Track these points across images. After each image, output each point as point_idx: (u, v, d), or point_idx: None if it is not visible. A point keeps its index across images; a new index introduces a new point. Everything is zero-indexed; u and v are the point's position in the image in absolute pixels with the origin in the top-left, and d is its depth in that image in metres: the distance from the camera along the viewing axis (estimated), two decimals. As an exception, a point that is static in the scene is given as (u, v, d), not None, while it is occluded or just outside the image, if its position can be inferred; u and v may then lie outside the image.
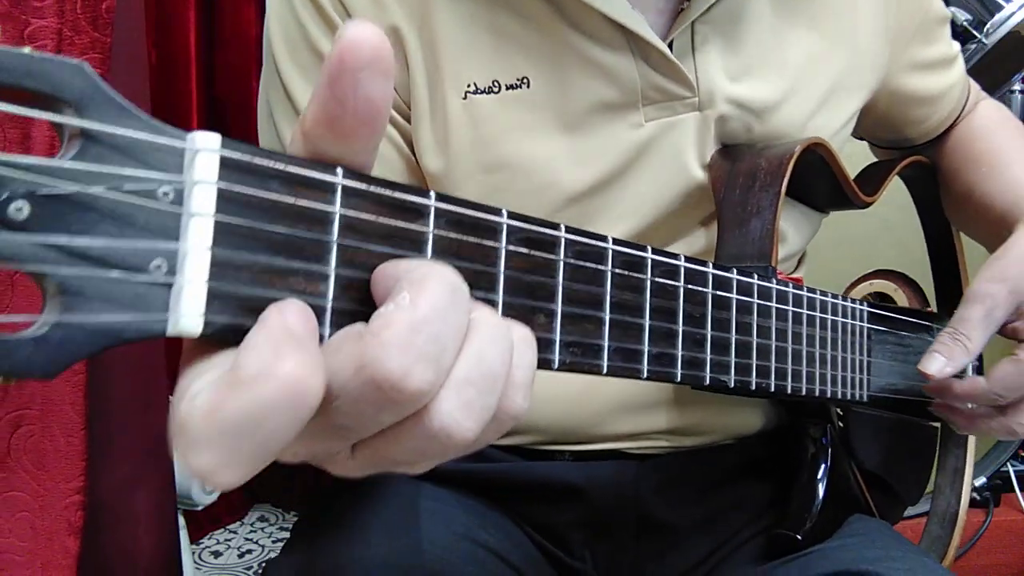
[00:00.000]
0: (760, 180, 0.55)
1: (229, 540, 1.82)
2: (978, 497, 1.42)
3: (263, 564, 1.63)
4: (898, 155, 0.76)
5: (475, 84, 0.54)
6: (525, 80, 0.54)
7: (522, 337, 0.29)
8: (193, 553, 1.62)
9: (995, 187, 0.69)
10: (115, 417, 0.81)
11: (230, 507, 1.87)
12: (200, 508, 1.42)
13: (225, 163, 0.24)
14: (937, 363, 0.56)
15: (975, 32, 1.20)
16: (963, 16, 1.21)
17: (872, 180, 0.70)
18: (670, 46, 0.55)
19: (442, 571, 0.53)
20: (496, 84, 0.54)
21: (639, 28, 0.52)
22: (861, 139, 0.81)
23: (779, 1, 0.58)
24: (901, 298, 0.72)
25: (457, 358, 0.25)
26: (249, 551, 1.77)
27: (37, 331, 0.22)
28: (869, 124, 0.72)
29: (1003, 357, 0.58)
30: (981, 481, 1.44)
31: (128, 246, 0.22)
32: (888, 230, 1.07)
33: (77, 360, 0.22)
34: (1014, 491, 1.44)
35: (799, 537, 0.56)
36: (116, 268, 0.22)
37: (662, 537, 0.63)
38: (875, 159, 0.82)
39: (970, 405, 0.61)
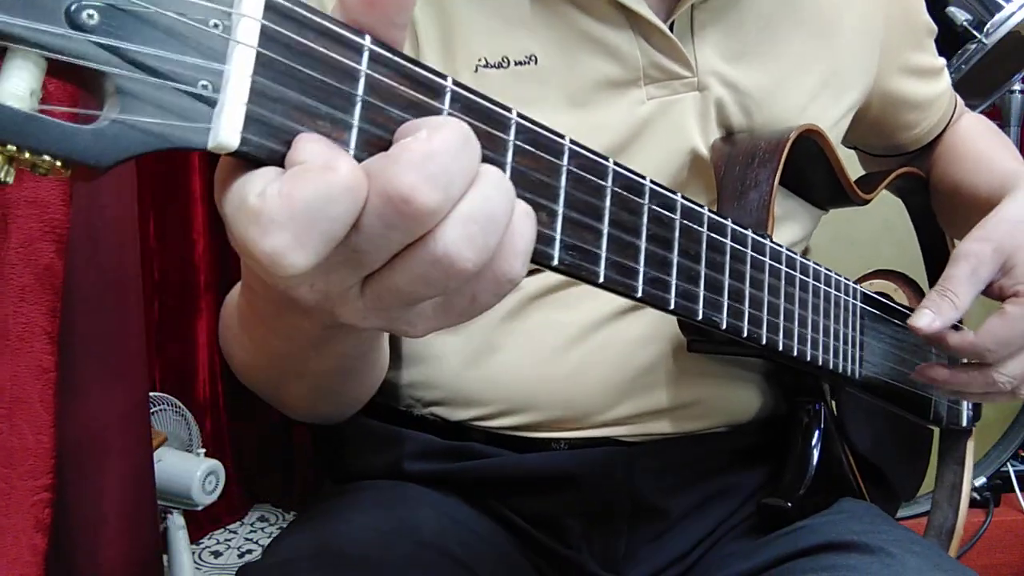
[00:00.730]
0: (759, 158, 0.58)
1: (229, 540, 1.80)
2: (978, 497, 1.42)
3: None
4: (891, 163, 0.79)
5: (485, 59, 0.57)
6: (533, 57, 0.57)
7: (524, 210, 0.31)
8: (193, 553, 1.60)
9: (981, 178, 0.72)
10: (84, 418, 0.80)
11: (230, 507, 1.87)
12: (200, 508, 1.41)
13: (269, 5, 0.27)
14: (926, 318, 0.58)
15: (975, 32, 1.22)
16: (963, 16, 1.23)
17: (868, 183, 0.73)
18: (671, 28, 0.58)
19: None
20: (505, 60, 0.57)
21: (639, 7, 0.56)
22: (853, 148, 0.84)
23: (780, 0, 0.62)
24: (901, 298, 0.74)
25: (463, 197, 0.28)
26: (249, 551, 1.75)
27: (97, 125, 0.24)
28: (863, 130, 0.75)
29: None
30: (981, 481, 1.43)
31: (180, 60, 0.25)
32: (888, 230, 1.09)
33: (127, 156, 0.25)
34: (1014, 491, 1.44)
35: (789, 504, 0.57)
36: (168, 79, 0.25)
37: (656, 522, 0.64)
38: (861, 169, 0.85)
39: (963, 362, 0.62)
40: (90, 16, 0.24)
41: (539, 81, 0.57)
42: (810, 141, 0.61)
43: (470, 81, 0.56)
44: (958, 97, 0.82)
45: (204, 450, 1.55)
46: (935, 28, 0.76)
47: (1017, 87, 1.45)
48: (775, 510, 0.58)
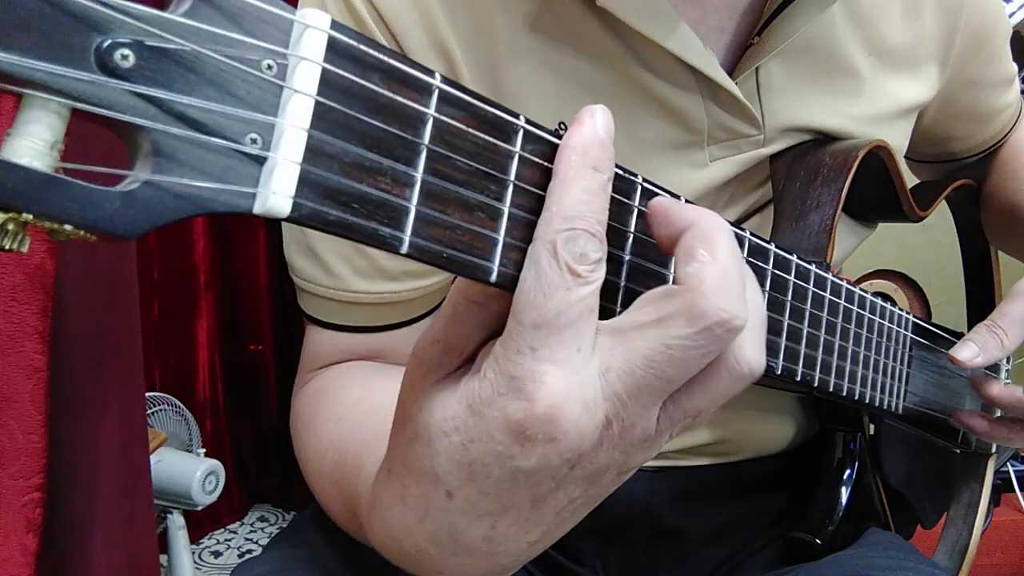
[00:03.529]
0: (823, 175, 0.54)
1: (229, 540, 1.81)
2: (978, 497, 1.43)
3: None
4: (940, 169, 0.75)
5: (562, 126, 0.52)
6: None
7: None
8: (193, 553, 1.61)
9: None
10: (77, 418, 0.79)
11: (230, 507, 1.87)
12: (200, 508, 1.41)
13: (332, 45, 0.23)
14: (970, 351, 0.55)
15: None
16: None
17: (923, 197, 0.69)
18: (736, 81, 0.52)
19: None
20: (563, 126, 0.52)
21: (711, 70, 0.50)
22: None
23: (854, 30, 0.56)
24: (901, 298, 0.72)
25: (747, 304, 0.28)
26: (249, 551, 1.76)
27: (127, 186, 0.21)
28: (913, 138, 0.70)
29: None
30: (981, 481, 1.45)
31: (226, 113, 0.21)
32: (889, 230, 1.05)
33: (159, 225, 0.21)
34: (1014, 491, 1.45)
35: (818, 541, 0.55)
36: (212, 135, 0.21)
37: (675, 545, 0.62)
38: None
39: (998, 413, 0.59)
40: (124, 58, 0.20)
41: None
42: (876, 159, 0.57)
43: None
44: (1022, 101, 0.77)
45: (204, 450, 1.55)
46: (1010, 30, 0.70)
47: (1017, 87, 1.40)
48: (802, 544, 0.56)
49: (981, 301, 0.82)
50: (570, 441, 0.28)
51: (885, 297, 0.75)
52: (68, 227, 0.20)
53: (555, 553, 0.62)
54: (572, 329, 0.27)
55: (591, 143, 0.29)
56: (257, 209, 0.22)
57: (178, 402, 1.52)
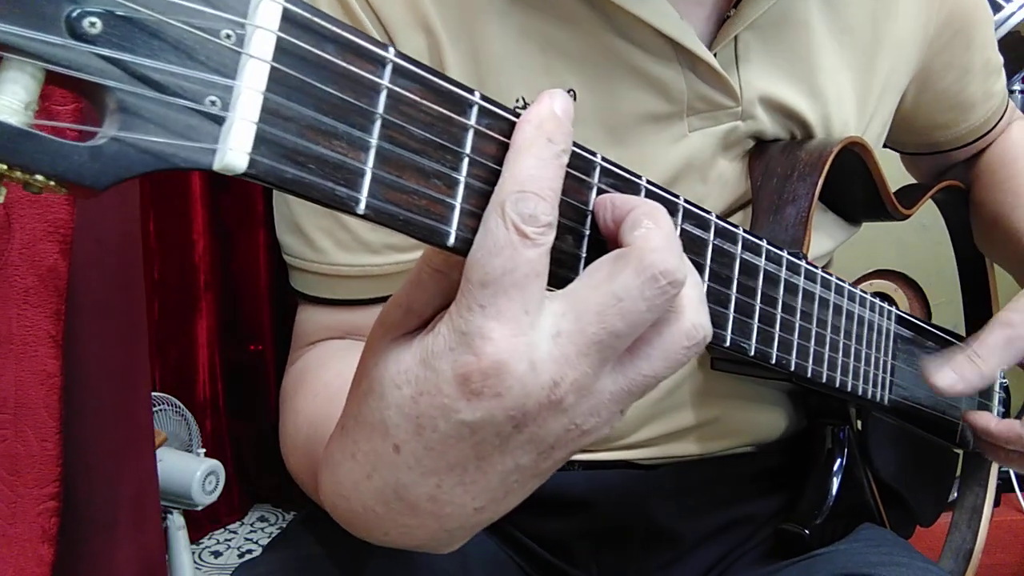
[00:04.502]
0: (799, 170, 0.55)
1: (229, 540, 1.82)
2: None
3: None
4: (931, 166, 0.75)
5: (523, 98, 0.53)
6: (571, 93, 0.53)
7: None
8: (193, 553, 1.61)
9: (1022, 219, 0.68)
10: (94, 423, 0.80)
11: (230, 507, 1.88)
12: (200, 508, 1.42)
13: (287, 16, 0.25)
14: (948, 379, 0.56)
15: None
16: None
17: (909, 196, 0.70)
18: (715, 55, 0.54)
19: None
20: (520, 101, 0.54)
21: (689, 42, 0.52)
22: (886, 147, 0.80)
23: (825, 8, 0.58)
24: (901, 298, 0.72)
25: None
26: (249, 551, 1.76)
27: (95, 142, 0.23)
28: (894, 127, 0.70)
29: None
30: (981, 482, 1.44)
31: (187, 75, 0.23)
32: (888, 230, 1.05)
33: (125, 177, 0.23)
34: (1014, 491, 1.43)
35: (807, 532, 0.55)
36: (174, 95, 0.23)
37: (670, 547, 0.62)
38: (904, 170, 0.82)
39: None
40: (92, 25, 0.22)
41: (577, 118, 0.54)
42: (852, 154, 0.58)
43: None
44: (1009, 100, 0.78)
45: (204, 450, 1.56)
46: (992, 17, 0.71)
47: (1017, 87, 1.41)
48: (792, 536, 0.57)
49: (977, 302, 0.83)
50: (514, 398, 0.29)
51: (885, 297, 0.76)
52: (40, 177, 0.22)
53: (549, 555, 0.62)
54: (518, 289, 0.28)
55: (546, 117, 0.31)
56: (216, 165, 0.24)
57: (178, 402, 1.53)
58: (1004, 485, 1.46)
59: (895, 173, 0.75)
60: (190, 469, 1.39)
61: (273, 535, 1.77)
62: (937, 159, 0.78)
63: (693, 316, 0.32)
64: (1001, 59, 0.73)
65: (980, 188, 0.75)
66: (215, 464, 1.43)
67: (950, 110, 0.72)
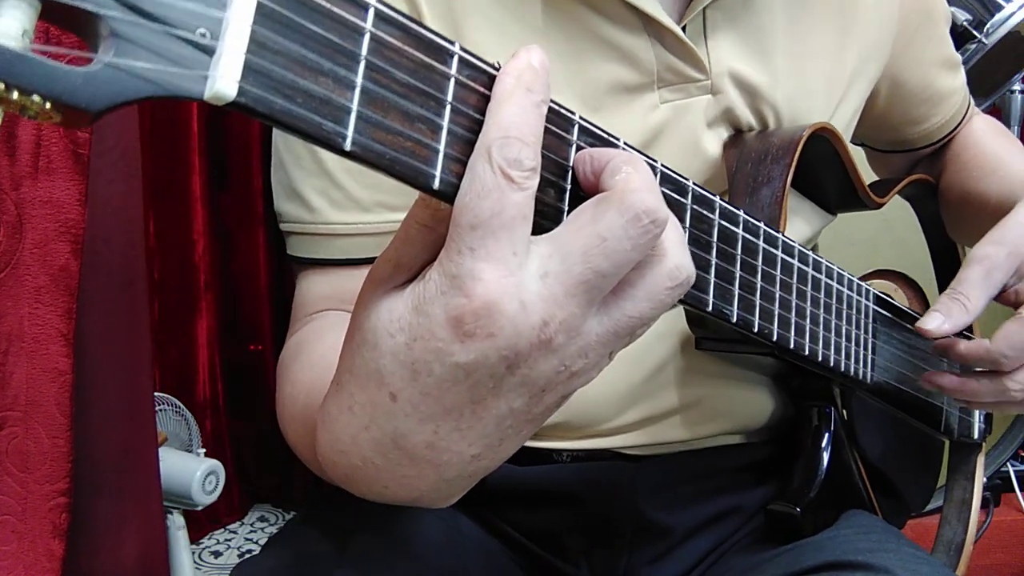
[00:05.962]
0: (772, 154, 0.57)
1: (229, 540, 1.79)
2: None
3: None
4: (899, 160, 0.77)
5: (497, 63, 0.56)
6: None
7: None
8: (193, 553, 1.59)
9: (991, 186, 0.70)
10: (99, 420, 0.80)
11: (230, 507, 1.85)
12: (200, 508, 1.40)
13: (272, -46, 0.26)
14: (935, 320, 0.56)
15: (975, 32, 1.21)
16: (963, 16, 1.22)
17: (880, 188, 0.71)
18: (683, 29, 0.56)
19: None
20: (499, 64, 0.56)
21: (654, 11, 0.54)
22: (860, 144, 0.82)
23: None
24: (901, 298, 0.73)
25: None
26: (249, 551, 1.74)
27: (90, 68, 0.24)
28: (869, 123, 0.73)
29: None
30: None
31: (177, 7, 0.24)
32: (888, 230, 1.07)
33: (120, 102, 0.24)
34: (1014, 491, 1.44)
35: (798, 509, 0.55)
36: (165, 24, 0.24)
37: (659, 540, 0.63)
38: (871, 170, 0.84)
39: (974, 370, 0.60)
40: (86, -45, 0.23)
41: (552, 87, 0.55)
42: (823, 140, 0.60)
43: None
44: (970, 97, 0.81)
45: (204, 450, 1.54)
46: (950, 16, 0.74)
47: (1017, 87, 1.45)
48: (783, 516, 0.57)
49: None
50: (507, 337, 0.29)
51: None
52: (36, 99, 0.23)
53: (541, 550, 0.62)
54: (507, 231, 0.29)
55: (524, 68, 0.32)
56: (207, 94, 0.25)
57: (178, 402, 1.52)
58: (1004, 485, 1.46)
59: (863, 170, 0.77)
60: (190, 469, 1.37)
61: (272, 535, 1.75)
62: (907, 156, 0.80)
63: (676, 257, 0.33)
64: (959, 56, 0.76)
65: (948, 173, 0.77)
66: (215, 464, 1.41)
67: (922, 104, 0.74)
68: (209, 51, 0.25)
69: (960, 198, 0.75)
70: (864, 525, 0.60)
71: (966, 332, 0.65)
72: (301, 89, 0.27)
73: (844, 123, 0.64)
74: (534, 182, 0.30)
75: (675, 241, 0.33)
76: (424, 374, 0.30)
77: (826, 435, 0.59)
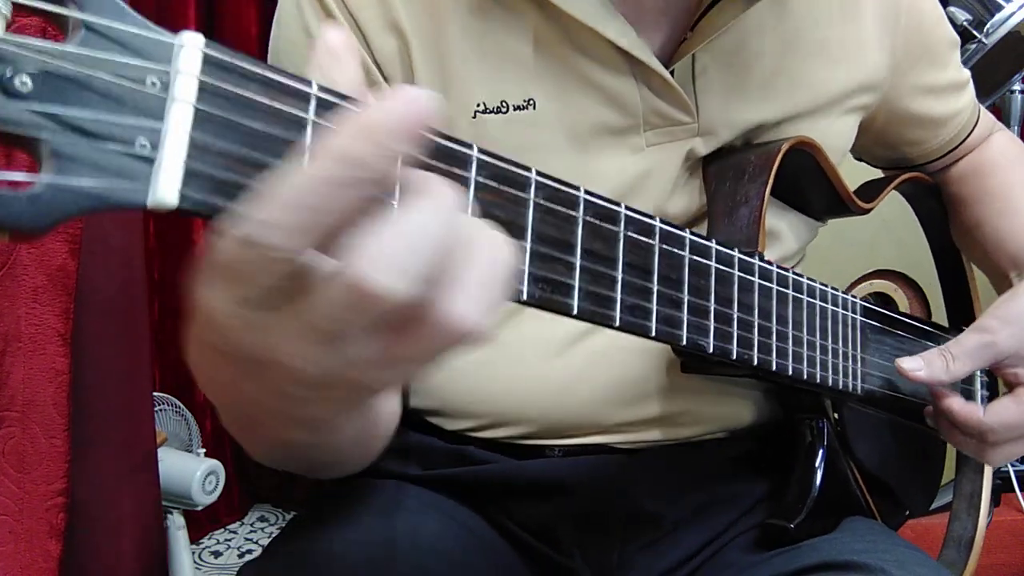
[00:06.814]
0: (749, 172, 0.57)
1: (229, 540, 1.82)
2: (977, 497, 1.41)
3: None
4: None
5: (484, 104, 0.55)
6: (531, 102, 0.55)
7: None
8: (193, 553, 1.62)
9: (1007, 226, 0.70)
10: (97, 421, 0.80)
11: (230, 507, 1.88)
12: (200, 508, 1.42)
13: (208, 59, 0.27)
14: (915, 364, 0.58)
15: (975, 32, 1.20)
16: (963, 16, 1.21)
17: (870, 190, 0.71)
18: (672, 73, 0.56)
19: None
20: (504, 104, 0.56)
21: (641, 54, 0.54)
22: (859, 159, 0.82)
23: (783, 32, 0.60)
24: (901, 298, 0.73)
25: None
26: (249, 551, 1.77)
27: (33, 190, 0.24)
28: (866, 142, 0.73)
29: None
30: (980, 481, 1.42)
31: (117, 121, 0.25)
32: (888, 230, 1.06)
33: (65, 219, 0.25)
34: (1014, 491, 1.43)
35: (791, 526, 0.56)
36: (105, 139, 0.25)
37: (652, 531, 0.63)
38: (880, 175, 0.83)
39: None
40: (23, 84, 0.24)
41: (537, 126, 0.56)
42: (803, 153, 0.60)
43: (468, 128, 0.56)
44: (985, 112, 0.79)
45: (204, 450, 1.56)
46: (957, 40, 0.73)
47: (1017, 87, 1.42)
48: (778, 530, 0.57)
49: (956, 292, 0.83)
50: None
51: (885, 297, 0.77)
52: (-18, 226, 0.24)
53: (535, 540, 0.63)
54: None
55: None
56: (150, 202, 0.26)
57: (178, 402, 1.53)
58: (1004, 485, 1.44)
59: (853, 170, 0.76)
60: (190, 469, 1.39)
61: (273, 535, 1.78)
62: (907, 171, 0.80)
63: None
64: (968, 74, 0.75)
65: (962, 190, 0.76)
66: (215, 464, 1.43)
67: (919, 128, 0.74)
68: (148, 161, 0.26)
69: (973, 223, 0.75)
70: (860, 529, 0.61)
71: (982, 374, 0.66)
72: (245, 187, 0.27)
73: (834, 143, 0.64)
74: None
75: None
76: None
77: (819, 452, 0.59)
